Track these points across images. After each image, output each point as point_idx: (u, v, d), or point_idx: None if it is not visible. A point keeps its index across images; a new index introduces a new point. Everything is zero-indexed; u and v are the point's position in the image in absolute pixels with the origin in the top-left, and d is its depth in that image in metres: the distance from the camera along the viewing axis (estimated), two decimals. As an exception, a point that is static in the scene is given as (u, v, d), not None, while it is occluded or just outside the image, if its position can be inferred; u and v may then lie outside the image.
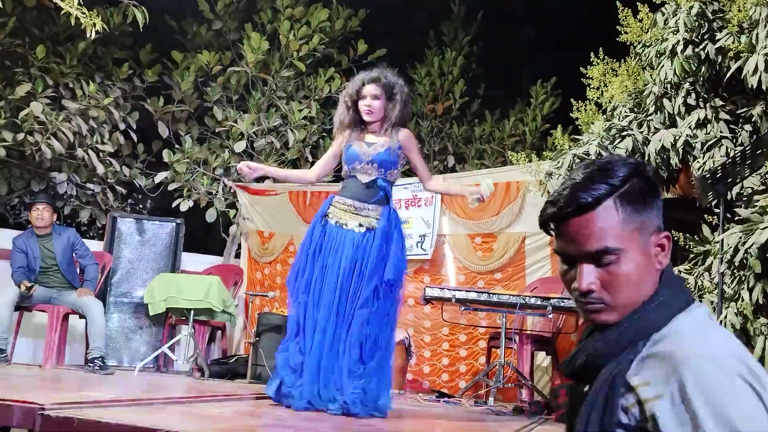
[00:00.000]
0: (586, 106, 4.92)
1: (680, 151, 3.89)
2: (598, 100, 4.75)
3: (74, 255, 5.69)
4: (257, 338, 5.56)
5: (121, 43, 7.12)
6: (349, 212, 3.44)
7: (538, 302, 4.46)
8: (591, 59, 4.90)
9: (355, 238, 3.40)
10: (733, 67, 3.68)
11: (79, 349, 6.01)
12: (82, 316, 5.59)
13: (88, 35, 4.32)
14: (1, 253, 5.95)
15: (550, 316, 4.52)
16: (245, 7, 7.74)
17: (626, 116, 4.34)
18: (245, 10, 7.74)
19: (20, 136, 5.78)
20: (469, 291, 4.78)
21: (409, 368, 5.58)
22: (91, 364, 5.30)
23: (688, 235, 3.68)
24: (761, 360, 2.88)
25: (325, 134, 7.80)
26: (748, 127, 3.80)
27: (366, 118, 3.52)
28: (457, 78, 8.62)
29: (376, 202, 3.47)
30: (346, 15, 7.89)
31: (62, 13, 4.40)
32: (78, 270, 5.75)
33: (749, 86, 3.60)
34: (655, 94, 4.20)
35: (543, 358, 5.27)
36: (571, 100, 5.07)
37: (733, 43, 3.71)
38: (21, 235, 5.61)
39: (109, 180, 6.77)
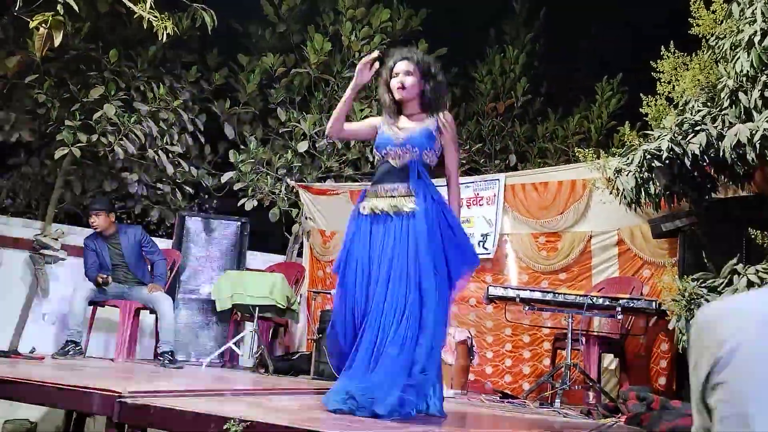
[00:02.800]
0: (656, 100, 4.77)
1: (757, 146, 3.72)
2: (669, 95, 4.60)
3: (143, 251, 5.87)
4: (320, 335, 5.61)
5: (189, 47, 7.33)
6: (381, 197, 3.15)
7: (607, 303, 4.36)
8: (661, 53, 4.76)
9: (394, 224, 3.08)
10: (816, 57, 3.51)
11: (148, 344, 6.20)
12: (152, 312, 5.76)
13: (159, 38, 4.45)
14: (76, 251, 6.20)
15: (620, 317, 4.41)
16: (308, 9, 7.85)
17: (699, 111, 4.18)
18: (308, 13, 7.85)
19: (94, 138, 6.01)
20: (534, 290, 4.71)
21: (472, 369, 5.53)
22: (160, 358, 5.45)
23: (766, 233, 3.52)
24: None
25: (386, 134, 7.82)
26: (831, 120, 3.61)
27: (397, 95, 3.23)
28: (519, 76, 8.51)
29: (410, 182, 3.12)
30: (407, 15, 7.91)
31: (134, 17, 4.55)
32: (148, 266, 5.94)
33: (833, 76, 3.42)
34: (729, 87, 4.04)
35: (610, 361, 5.15)
36: (641, 95, 4.93)
37: (815, 32, 3.54)
38: (91, 236, 5.82)
39: (177, 180, 6.97)
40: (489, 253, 5.94)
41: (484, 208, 6.11)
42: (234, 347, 6.03)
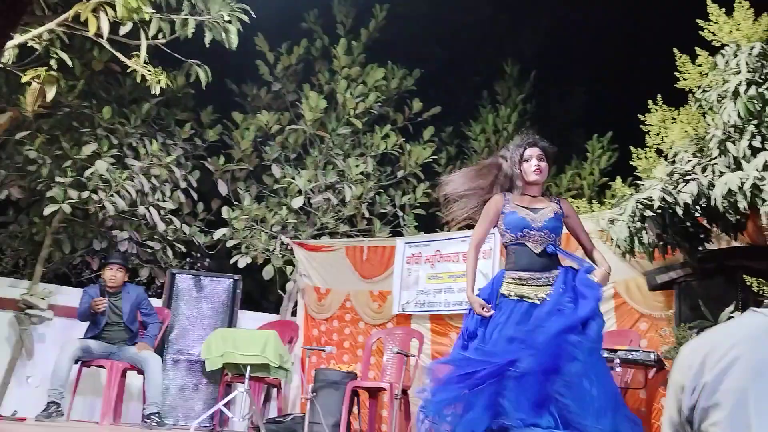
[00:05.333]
0: (646, 153, 4.80)
1: (748, 194, 3.70)
2: (659, 147, 4.62)
3: (140, 312, 5.79)
4: (314, 394, 5.46)
5: (183, 105, 7.42)
6: (525, 285, 3.33)
7: (605, 354, 4.24)
8: (649, 107, 4.81)
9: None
10: (802, 104, 3.54)
11: (135, 408, 6.02)
12: (140, 372, 5.62)
13: (153, 91, 4.49)
14: (64, 311, 6.09)
15: (618, 369, 4.29)
16: (303, 69, 8.00)
17: (689, 161, 4.19)
18: (303, 72, 8.00)
19: (85, 194, 5.98)
20: (530, 344, 4.58)
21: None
22: (147, 420, 5.30)
23: (761, 280, 3.47)
24: None
25: (381, 190, 7.85)
26: (821, 167, 3.60)
27: (534, 177, 3.48)
28: (512, 134, 8.59)
29: (551, 268, 3.37)
30: (401, 74, 8.05)
31: (128, 71, 4.60)
32: (139, 326, 5.83)
33: (820, 123, 3.44)
34: (718, 137, 4.05)
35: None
36: (631, 148, 4.96)
37: (799, 80, 3.58)
38: (93, 287, 5.72)
39: (168, 238, 6.91)
40: (485, 309, 5.84)
41: (480, 263, 6.00)
42: (224, 409, 5.84)
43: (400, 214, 7.82)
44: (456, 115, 8.86)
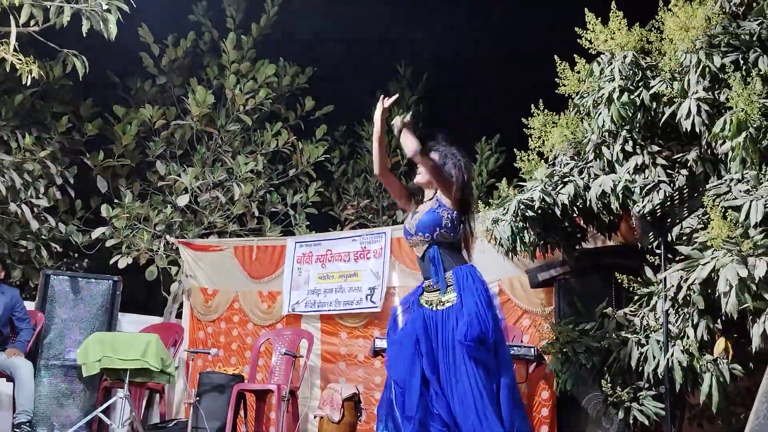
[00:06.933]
0: (529, 156, 4.97)
1: (620, 195, 3.93)
2: (540, 149, 4.80)
3: (12, 315, 5.41)
4: (198, 398, 5.30)
5: (61, 97, 7.00)
6: (428, 291, 3.27)
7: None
8: (532, 111, 4.99)
9: (439, 316, 3.19)
10: (668, 112, 3.77)
11: (5, 417, 5.64)
12: (9, 379, 5.27)
13: (23, 81, 4.20)
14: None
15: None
16: (191, 63, 7.75)
17: (567, 164, 4.39)
18: (191, 66, 7.75)
19: (-52, 190, 5.53)
20: (418, 342, 4.65)
21: (360, 426, 5.39)
22: (17, 430, 5.01)
23: (631, 277, 3.68)
24: (709, 398, 2.84)
25: (272, 189, 7.73)
26: (684, 171, 3.87)
27: (416, 179, 3.45)
28: (403, 135, 8.71)
29: (441, 270, 3.22)
30: (293, 72, 7.98)
31: (-3, 59, 4.28)
32: (10, 331, 5.46)
33: (683, 130, 3.68)
34: (593, 142, 4.27)
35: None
36: (515, 150, 5.13)
37: (666, 89, 3.82)
38: None
39: (43, 237, 6.49)
40: (376, 307, 5.90)
41: (371, 262, 6.09)
42: (102, 416, 5.56)
43: (292, 213, 7.74)
44: (349, 114, 8.88)
